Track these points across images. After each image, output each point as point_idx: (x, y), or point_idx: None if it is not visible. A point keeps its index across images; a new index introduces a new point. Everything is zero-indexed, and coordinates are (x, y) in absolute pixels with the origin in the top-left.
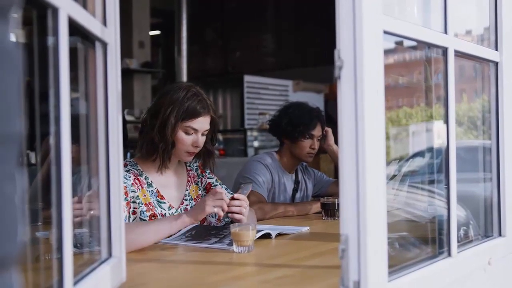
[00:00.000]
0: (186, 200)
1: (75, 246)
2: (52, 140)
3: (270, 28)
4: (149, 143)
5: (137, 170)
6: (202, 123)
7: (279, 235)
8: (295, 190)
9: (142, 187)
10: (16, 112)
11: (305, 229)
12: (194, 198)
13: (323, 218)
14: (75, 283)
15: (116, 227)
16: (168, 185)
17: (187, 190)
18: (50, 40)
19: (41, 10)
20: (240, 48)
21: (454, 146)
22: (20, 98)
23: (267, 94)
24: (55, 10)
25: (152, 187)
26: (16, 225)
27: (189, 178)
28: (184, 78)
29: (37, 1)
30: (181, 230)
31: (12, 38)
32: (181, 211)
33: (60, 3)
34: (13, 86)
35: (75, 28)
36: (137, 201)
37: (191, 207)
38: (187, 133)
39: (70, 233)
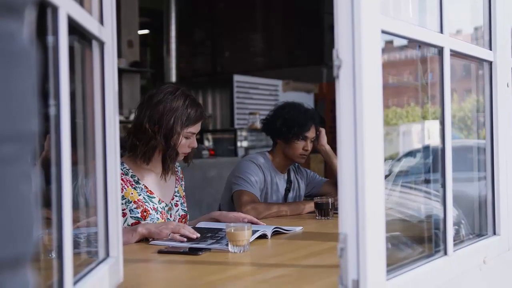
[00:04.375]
0: (176, 196)
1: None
2: (52, 139)
3: (259, 28)
4: (151, 150)
5: (122, 170)
6: (199, 126)
7: (275, 234)
8: (287, 190)
9: (128, 186)
10: (32, 111)
11: (298, 229)
12: (182, 196)
13: (317, 217)
14: (75, 283)
15: (113, 227)
16: (158, 181)
17: (176, 187)
18: (49, 39)
19: (40, 8)
20: (229, 47)
21: (450, 146)
22: (36, 97)
23: (257, 94)
24: (54, 9)
25: (140, 184)
26: (32, 224)
27: (177, 177)
28: (173, 78)
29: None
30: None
31: (27, 36)
32: (172, 205)
33: (60, 2)
34: (29, 85)
35: (72, 27)
36: (123, 201)
37: (181, 203)
38: (186, 138)
39: (70, 233)
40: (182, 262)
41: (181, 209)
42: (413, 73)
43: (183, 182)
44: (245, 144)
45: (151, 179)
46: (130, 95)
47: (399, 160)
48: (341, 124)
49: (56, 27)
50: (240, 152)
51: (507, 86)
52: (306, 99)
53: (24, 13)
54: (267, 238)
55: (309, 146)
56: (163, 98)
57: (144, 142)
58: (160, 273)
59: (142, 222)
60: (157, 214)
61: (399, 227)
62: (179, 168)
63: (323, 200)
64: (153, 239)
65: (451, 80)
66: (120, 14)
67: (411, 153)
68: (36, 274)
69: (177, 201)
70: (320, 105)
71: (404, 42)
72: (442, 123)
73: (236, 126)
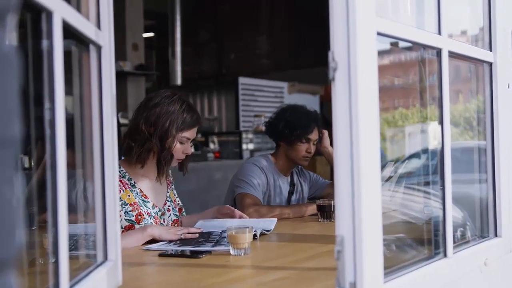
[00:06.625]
0: (168, 201)
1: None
2: (47, 143)
3: (264, 30)
4: (146, 152)
5: (120, 172)
6: (195, 133)
7: (262, 234)
8: (290, 193)
9: (125, 188)
10: (15, 116)
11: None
12: (173, 201)
13: (319, 220)
14: (71, 286)
15: (111, 230)
16: (151, 187)
17: (168, 192)
18: (44, 43)
19: (35, 13)
20: (234, 50)
21: (449, 147)
22: (19, 102)
23: (262, 96)
24: (49, 14)
25: (136, 187)
26: (14, 228)
27: (169, 182)
28: (178, 80)
29: (31, 4)
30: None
31: (10, 41)
32: (164, 210)
33: (55, 6)
34: (12, 90)
35: (69, 31)
36: (119, 202)
37: (172, 208)
38: (181, 143)
39: (65, 237)
40: (182, 265)
41: (173, 214)
42: (418, 74)
43: (173, 186)
44: (250, 146)
45: (145, 184)
46: (135, 98)
47: (403, 161)
48: (337, 126)
49: (50, 31)
50: (246, 155)
51: (508, 87)
52: (312, 101)
53: (7, 19)
54: (256, 238)
55: (312, 148)
56: (160, 101)
57: (140, 143)
58: (159, 276)
59: (136, 226)
60: (150, 219)
61: (402, 229)
62: (170, 171)
63: (325, 202)
64: (147, 244)
65: (456, 81)
66: (125, 17)
67: (416, 155)
68: (22, 278)
69: (169, 206)
70: (325, 107)
71: (408, 43)
72: (441, 124)
73: (241, 129)
